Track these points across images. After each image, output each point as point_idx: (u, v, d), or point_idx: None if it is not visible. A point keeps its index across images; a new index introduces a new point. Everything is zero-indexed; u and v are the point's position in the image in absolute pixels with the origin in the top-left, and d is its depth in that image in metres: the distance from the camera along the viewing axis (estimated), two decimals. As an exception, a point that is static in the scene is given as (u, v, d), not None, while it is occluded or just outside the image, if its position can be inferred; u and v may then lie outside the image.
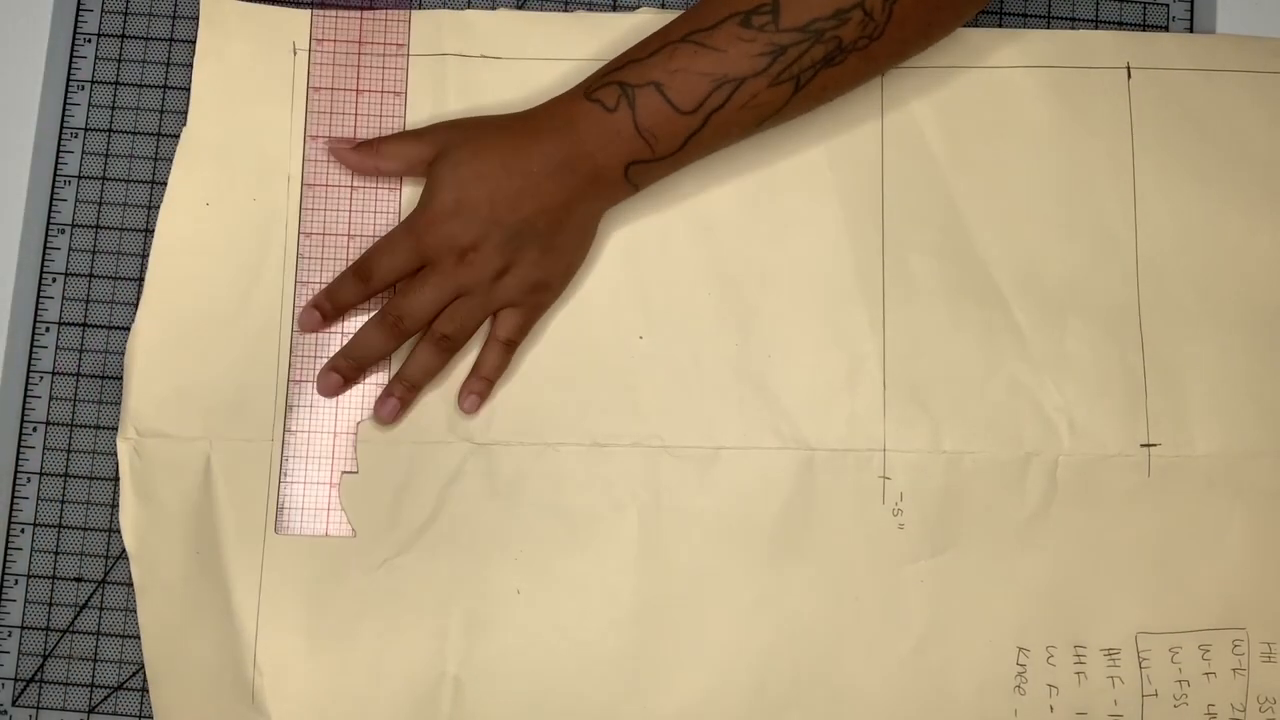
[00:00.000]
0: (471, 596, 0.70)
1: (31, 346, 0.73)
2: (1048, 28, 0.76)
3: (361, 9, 0.74)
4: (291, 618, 0.70)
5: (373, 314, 0.71)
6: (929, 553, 0.71)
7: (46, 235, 0.74)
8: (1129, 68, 0.75)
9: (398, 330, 0.69)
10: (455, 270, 0.68)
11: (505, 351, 0.71)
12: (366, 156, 0.71)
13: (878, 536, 0.71)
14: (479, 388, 0.71)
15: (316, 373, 0.71)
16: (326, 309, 0.71)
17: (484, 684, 0.70)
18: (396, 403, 0.70)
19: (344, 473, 0.71)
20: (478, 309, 0.69)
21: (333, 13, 0.74)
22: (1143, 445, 0.72)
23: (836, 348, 0.72)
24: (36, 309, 0.73)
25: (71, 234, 0.74)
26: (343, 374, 0.71)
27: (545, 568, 0.71)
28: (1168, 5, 0.77)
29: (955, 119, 0.74)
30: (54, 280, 0.73)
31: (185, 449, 0.70)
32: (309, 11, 0.74)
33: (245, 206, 0.73)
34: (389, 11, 0.74)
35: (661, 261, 0.73)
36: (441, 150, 0.69)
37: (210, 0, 0.74)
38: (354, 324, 0.71)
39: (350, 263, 0.71)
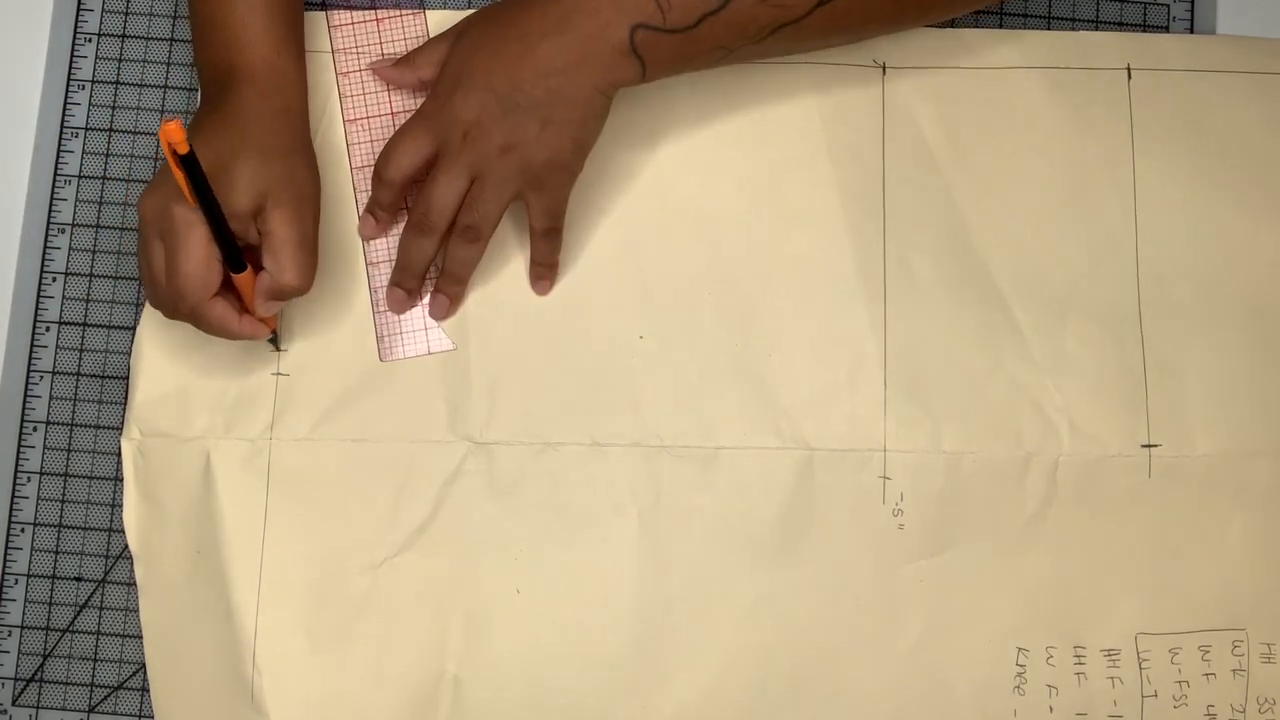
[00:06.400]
0: (471, 596, 0.70)
1: (31, 346, 0.73)
2: (1048, 28, 0.76)
3: (376, 11, 0.74)
4: (291, 617, 0.70)
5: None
6: (929, 552, 0.71)
7: (46, 235, 0.74)
8: (1129, 69, 0.75)
9: (427, 227, 0.69)
10: (462, 150, 0.67)
11: (549, 238, 0.71)
12: (405, 70, 0.72)
13: (878, 536, 0.71)
14: (543, 273, 0.72)
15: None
16: (376, 211, 0.71)
17: (484, 683, 0.70)
18: (445, 299, 0.72)
19: (434, 291, 0.72)
20: (492, 193, 0.67)
21: (347, 15, 0.74)
22: (1143, 446, 0.72)
23: (837, 347, 0.72)
24: (36, 309, 0.73)
25: (71, 234, 0.74)
26: (404, 288, 0.71)
27: (545, 567, 0.71)
28: (1168, 5, 0.77)
29: (956, 119, 0.74)
30: (54, 280, 0.73)
31: (187, 449, 0.70)
32: (323, 14, 0.74)
33: (246, 207, 0.73)
34: (404, 12, 0.74)
35: (662, 261, 0.73)
36: (458, 34, 0.70)
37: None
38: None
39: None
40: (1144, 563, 0.71)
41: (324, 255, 0.67)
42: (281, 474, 0.71)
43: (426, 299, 0.72)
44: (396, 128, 0.72)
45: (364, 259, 0.73)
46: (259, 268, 0.65)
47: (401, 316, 0.72)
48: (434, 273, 0.72)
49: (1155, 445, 0.72)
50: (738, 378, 0.72)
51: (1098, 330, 0.73)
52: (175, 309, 0.65)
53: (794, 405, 0.72)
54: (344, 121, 0.73)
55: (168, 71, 0.75)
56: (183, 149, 0.58)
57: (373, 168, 0.70)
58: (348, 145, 0.73)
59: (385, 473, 0.71)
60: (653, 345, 0.72)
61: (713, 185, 0.73)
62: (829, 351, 0.72)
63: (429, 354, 0.72)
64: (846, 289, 0.73)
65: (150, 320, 0.71)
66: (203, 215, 0.62)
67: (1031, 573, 0.71)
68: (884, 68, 0.74)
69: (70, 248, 0.74)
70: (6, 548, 0.72)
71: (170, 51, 0.75)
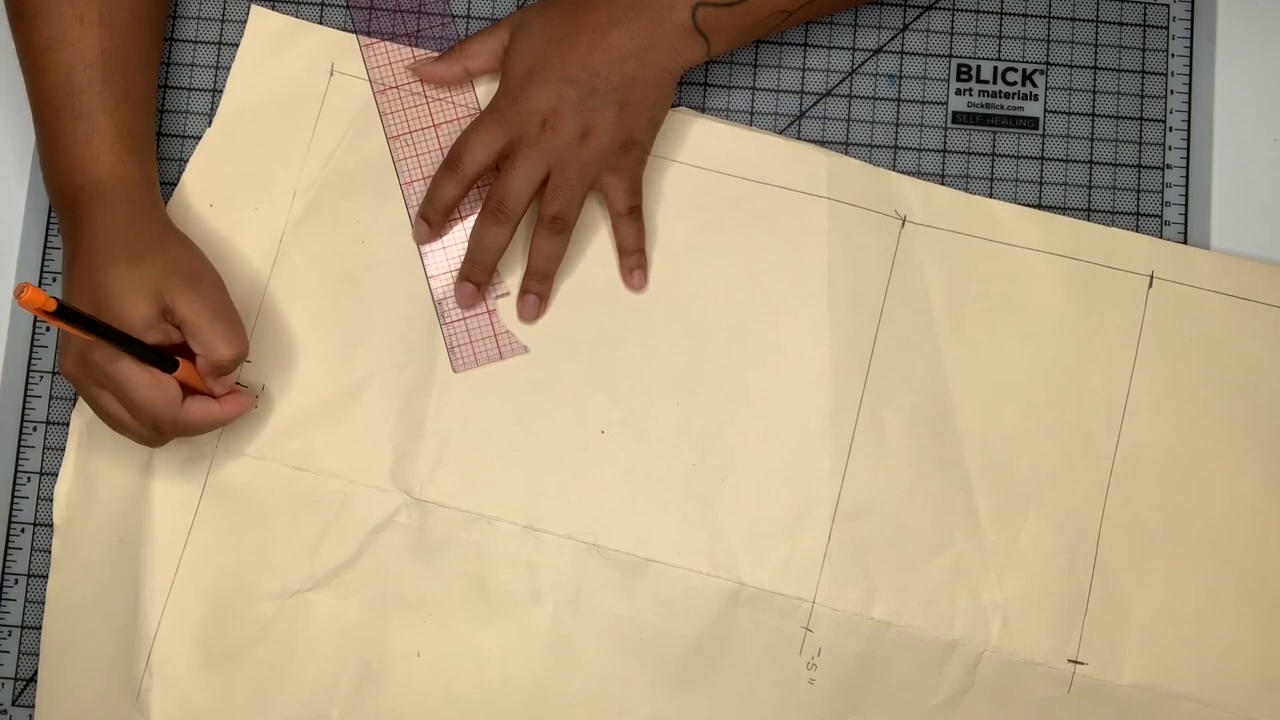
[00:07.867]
0: (372, 648, 0.70)
1: (31, 346, 0.73)
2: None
3: (411, 42, 0.74)
4: (193, 627, 0.70)
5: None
6: (832, 714, 0.70)
7: (47, 234, 0.74)
8: (1153, 276, 0.73)
9: (503, 216, 0.69)
10: (540, 139, 0.68)
11: (633, 219, 0.71)
12: (454, 62, 0.72)
13: (786, 685, 0.70)
14: (636, 261, 0.72)
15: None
16: (431, 215, 0.71)
17: (365, 737, 0.70)
18: (534, 299, 0.71)
19: (498, 297, 0.72)
20: (574, 179, 0.69)
21: (384, 48, 0.74)
22: (1070, 660, 0.70)
23: (791, 488, 0.71)
24: (36, 309, 0.74)
25: (72, 234, 0.74)
26: (474, 281, 0.71)
27: (451, 637, 0.70)
28: (1168, 5, 0.76)
29: (964, 287, 0.73)
30: (54, 280, 0.73)
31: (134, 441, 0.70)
32: (354, 37, 0.74)
33: (246, 214, 0.73)
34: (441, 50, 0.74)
35: (640, 360, 0.72)
36: (515, 29, 0.70)
37: (259, 12, 0.74)
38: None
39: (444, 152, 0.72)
40: (1043, 777, 0.70)
41: (311, 278, 0.67)
42: (218, 485, 0.71)
43: (490, 304, 0.72)
44: (440, 139, 0.72)
45: (424, 274, 0.72)
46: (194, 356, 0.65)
47: (471, 326, 0.72)
48: (494, 290, 0.72)
49: (1081, 663, 0.70)
50: (686, 494, 0.71)
51: (1054, 535, 0.71)
52: (161, 435, 0.65)
53: (734, 535, 0.71)
54: (388, 139, 0.73)
55: (167, 72, 0.74)
56: (50, 306, 0.56)
57: (419, 181, 0.72)
58: (394, 162, 0.73)
59: (317, 507, 0.71)
60: (611, 442, 0.72)
61: (707, 295, 0.73)
62: (782, 490, 0.71)
63: (501, 359, 0.72)
64: (815, 431, 0.72)
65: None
66: (116, 347, 0.62)
67: (929, 759, 0.70)
68: (904, 221, 0.73)
69: (71, 248, 0.74)
70: (6, 548, 0.72)
71: (170, 51, 0.75)
